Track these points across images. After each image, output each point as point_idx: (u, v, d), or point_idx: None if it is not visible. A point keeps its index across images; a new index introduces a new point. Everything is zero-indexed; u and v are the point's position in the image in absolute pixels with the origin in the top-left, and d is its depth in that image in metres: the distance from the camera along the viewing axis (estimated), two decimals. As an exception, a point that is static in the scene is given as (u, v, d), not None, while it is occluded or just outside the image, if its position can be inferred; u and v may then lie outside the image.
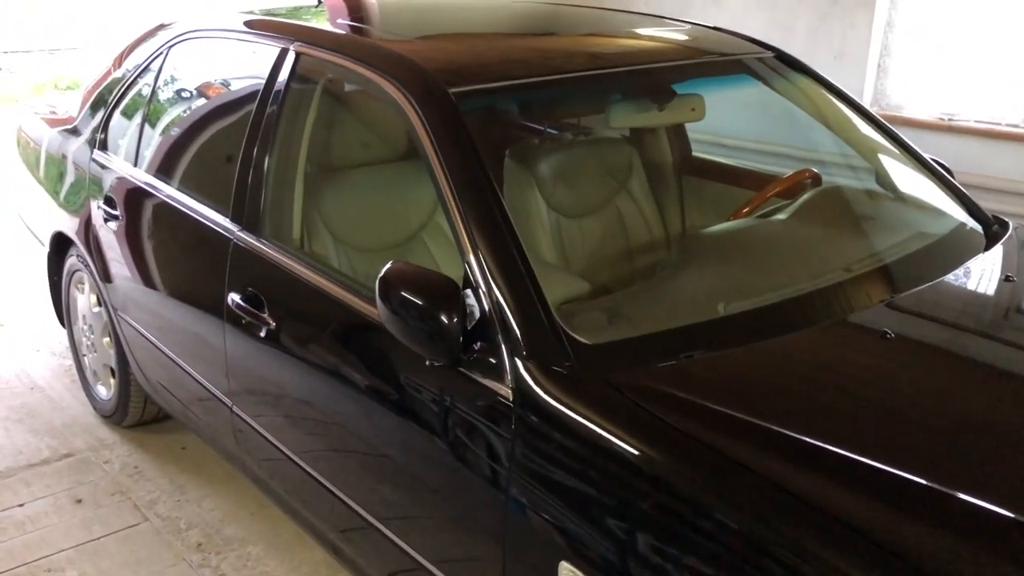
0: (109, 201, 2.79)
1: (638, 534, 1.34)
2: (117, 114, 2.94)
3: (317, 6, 4.30)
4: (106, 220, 2.79)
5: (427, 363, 1.64)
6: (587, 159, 2.57)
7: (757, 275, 1.94)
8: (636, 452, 1.37)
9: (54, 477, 2.89)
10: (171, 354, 2.56)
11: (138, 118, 2.84)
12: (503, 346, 1.56)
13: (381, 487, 1.87)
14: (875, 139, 2.36)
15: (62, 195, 3.14)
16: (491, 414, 1.56)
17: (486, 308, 1.59)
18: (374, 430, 1.86)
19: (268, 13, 2.75)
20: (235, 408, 2.28)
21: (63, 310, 3.36)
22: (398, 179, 2.32)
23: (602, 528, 1.38)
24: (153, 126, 2.79)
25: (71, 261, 3.16)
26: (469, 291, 1.62)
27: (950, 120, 4.18)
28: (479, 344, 1.59)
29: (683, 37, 2.50)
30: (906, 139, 2.36)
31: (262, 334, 2.07)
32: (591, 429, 1.42)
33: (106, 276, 2.85)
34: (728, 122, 2.78)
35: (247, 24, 2.54)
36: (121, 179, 2.77)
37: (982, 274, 1.99)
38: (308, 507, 2.15)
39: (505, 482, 1.52)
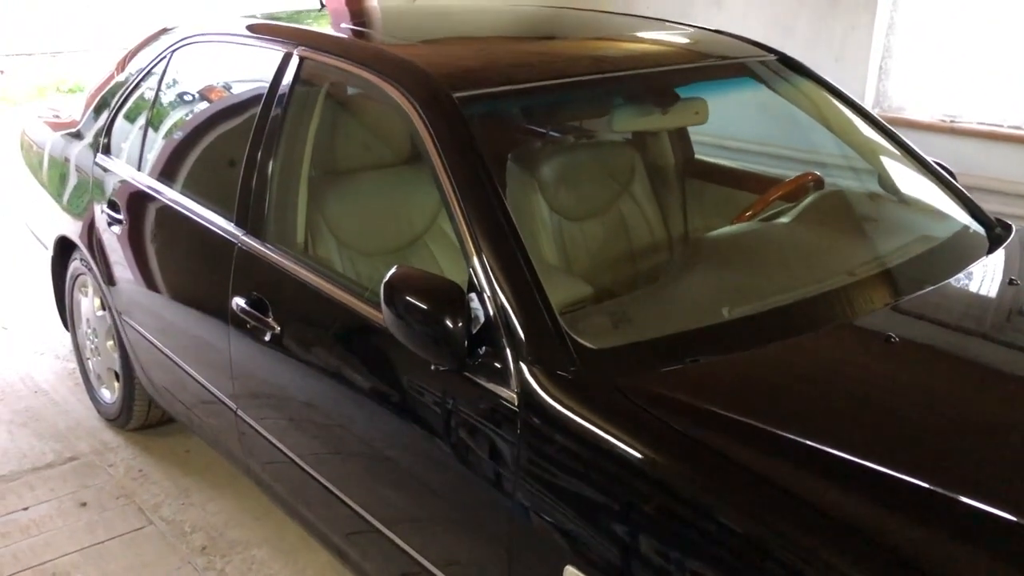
0: (113, 205, 2.79)
1: (643, 538, 1.34)
2: (120, 118, 2.95)
3: (320, 10, 4.31)
4: (110, 224, 2.79)
5: (432, 367, 1.65)
6: (589, 162, 2.57)
7: (761, 279, 1.94)
8: (641, 456, 1.37)
9: (58, 481, 2.90)
10: (175, 358, 2.57)
11: (141, 122, 2.84)
12: (508, 350, 1.56)
13: (386, 490, 1.87)
14: (877, 141, 2.36)
15: (66, 199, 3.14)
16: (496, 418, 1.56)
17: (491, 312, 1.59)
18: (378, 434, 1.86)
19: (270, 17, 2.75)
20: (239, 411, 2.29)
21: (67, 314, 3.36)
22: (402, 183, 2.33)
23: (607, 532, 1.38)
24: (156, 130, 2.80)
25: (75, 265, 3.17)
26: (473, 295, 1.63)
27: (952, 122, 4.18)
28: (484, 348, 1.59)
29: (686, 41, 2.51)
30: (908, 141, 2.37)
31: (266, 338, 2.08)
32: (596, 433, 1.42)
33: (110, 280, 2.85)
34: (731, 125, 2.78)
35: (250, 28, 2.55)
36: (125, 183, 2.77)
37: (986, 277, 1.99)
38: (312, 510, 2.15)
39: (510, 486, 1.53)
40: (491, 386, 1.57)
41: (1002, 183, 3.90)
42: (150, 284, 2.65)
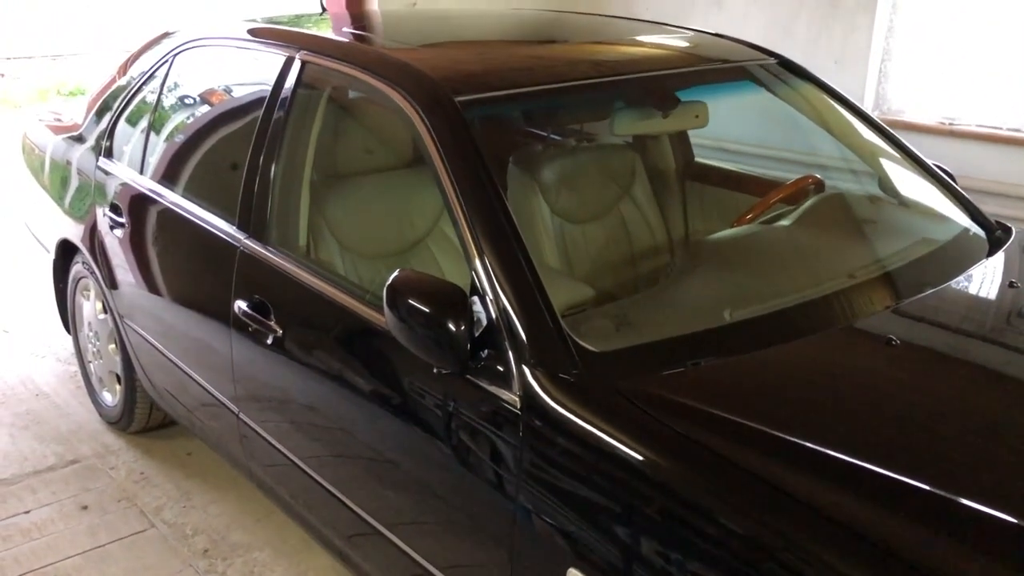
0: (115, 208, 2.80)
1: (646, 541, 1.35)
2: (122, 121, 2.95)
3: (321, 14, 4.32)
4: (112, 227, 2.80)
5: (434, 370, 1.65)
6: (590, 165, 2.58)
7: (762, 282, 1.95)
8: (643, 459, 1.38)
9: (60, 484, 2.90)
10: (177, 360, 2.57)
11: (143, 125, 2.85)
12: (510, 353, 1.57)
13: (388, 493, 1.88)
14: (877, 144, 2.37)
15: (67, 202, 3.15)
16: (498, 421, 1.57)
17: (493, 315, 1.60)
18: (381, 436, 1.87)
19: (272, 21, 2.76)
20: (241, 414, 2.29)
21: (68, 317, 3.37)
22: (403, 186, 2.33)
23: (610, 534, 1.38)
24: (158, 133, 2.80)
25: (77, 268, 3.17)
26: (476, 298, 1.63)
27: (951, 124, 4.18)
28: (486, 351, 1.60)
29: (686, 44, 2.51)
30: (908, 144, 2.38)
31: (268, 341, 2.08)
32: (598, 436, 1.43)
33: (112, 283, 2.86)
34: (732, 128, 2.79)
35: (252, 32, 2.56)
36: (126, 186, 2.78)
37: (986, 280, 2.00)
38: (314, 513, 2.16)
39: (512, 489, 1.53)
40: (493, 389, 1.58)
41: (1002, 185, 3.90)
42: (152, 287, 2.66)
